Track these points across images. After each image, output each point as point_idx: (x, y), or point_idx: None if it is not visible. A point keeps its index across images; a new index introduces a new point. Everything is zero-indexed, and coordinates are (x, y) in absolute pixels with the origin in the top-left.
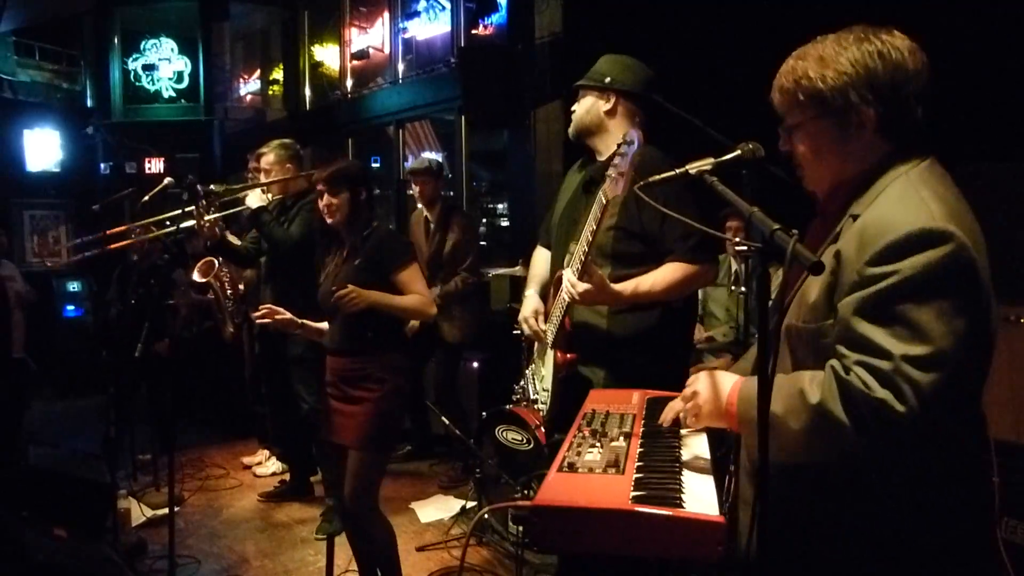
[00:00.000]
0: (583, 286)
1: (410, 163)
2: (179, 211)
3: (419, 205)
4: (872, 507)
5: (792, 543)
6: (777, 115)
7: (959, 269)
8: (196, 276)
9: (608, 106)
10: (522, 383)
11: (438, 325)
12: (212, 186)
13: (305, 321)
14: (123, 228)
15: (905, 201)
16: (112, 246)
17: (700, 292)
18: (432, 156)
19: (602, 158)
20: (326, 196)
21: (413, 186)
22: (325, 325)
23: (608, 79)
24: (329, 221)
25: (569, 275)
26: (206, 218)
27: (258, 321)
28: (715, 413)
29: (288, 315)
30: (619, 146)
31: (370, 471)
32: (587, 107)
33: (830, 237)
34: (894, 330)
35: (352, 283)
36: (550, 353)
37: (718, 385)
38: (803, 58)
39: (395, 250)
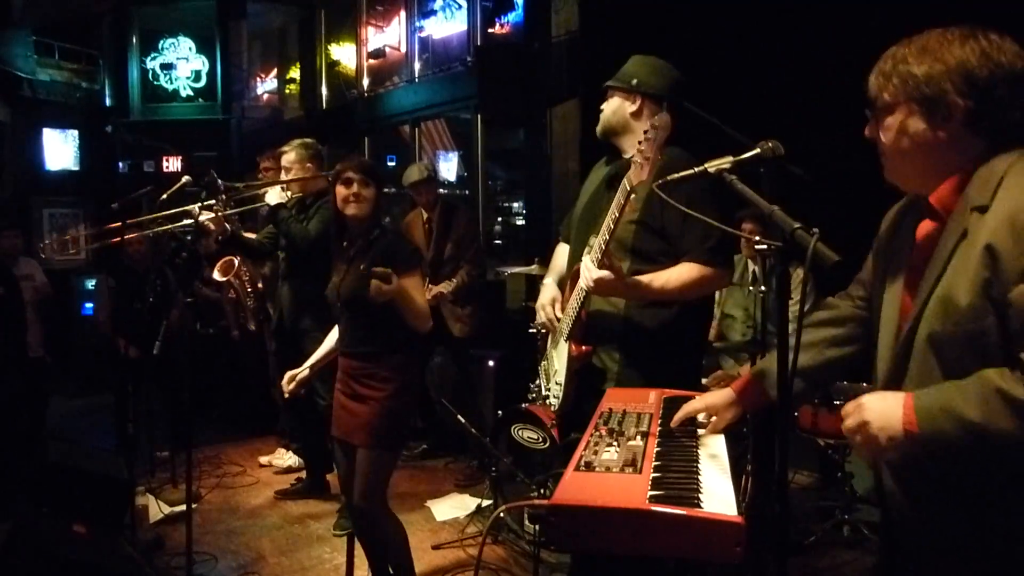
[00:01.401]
0: (599, 273)
1: (406, 173)
2: (191, 206)
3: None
4: None
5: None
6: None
7: None
8: (216, 275)
9: (634, 108)
10: (537, 381)
11: (446, 321)
12: (233, 184)
13: (308, 366)
14: (135, 220)
15: None
16: (127, 237)
17: (718, 292)
18: (423, 162)
19: (626, 155)
20: (356, 186)
21: (415, 197)
22: (327, 345)
23: (635, 81)
24: (351, 212)
25: (587, 262)
26: (208, 216)
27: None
28: (893, 439)
29: (303, 373)
30: (645, 132)
31: (379, 470)
32: (614, 108)
33: (954, 234)
34: None
35: (360, 287)
36: (563, 346)
37: (887, 406)
38: (906, 45)
39: (403, 256)
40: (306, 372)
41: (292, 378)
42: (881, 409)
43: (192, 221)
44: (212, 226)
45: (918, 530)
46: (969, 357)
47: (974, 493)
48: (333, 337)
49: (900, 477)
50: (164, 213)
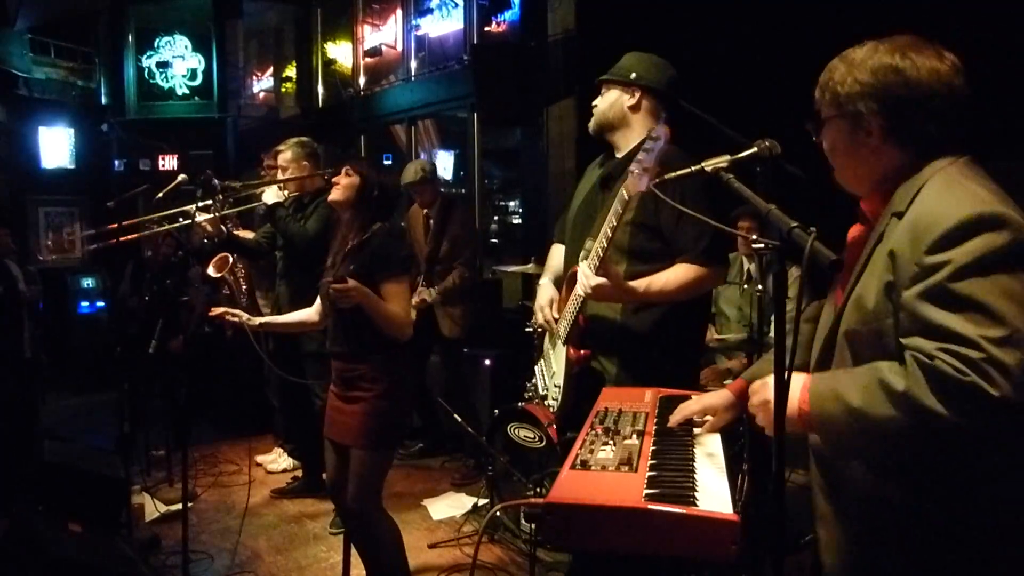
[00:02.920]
0: (596, 280)
1: (403, 173)
2: (190, 206)
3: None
4: (961, 501)
5: (878, 544)
6: (797, 111)
7: (1019, 249)
8: (211, 271)
9: (632, 101)
10: (534, 380)
11: (438, 321)
12: (228, 182)
13: (260, 321)
14: (133, 221)
15: (952, 191)
16: (123, 238)
17: (712, 291)
18: (421, 160)
19: (620, 154)
20: (341, 174)
21: (413, 196)
22: (298, 315)
23: (634, 75)
24: (331, 198)
25: (584, 268)
26: (205, 217)
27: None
28: (789, 417)
29: (246, 318)
30: (644, 141)
31: (371, 471)
32: (611, 101)
33: (874, 238)
34: (967, 315)
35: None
36: (561, 348)
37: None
38: (842, 58)
39: (389, 259)
40: (250, 320)
41: (233, 313)
42: None
43: (189, 220)
44: (209, 228)
45: (843, 552)
46: (874, 353)
47: (896, 518)
48: (307, 311)
49: (828, 488)
50: (164, 213)
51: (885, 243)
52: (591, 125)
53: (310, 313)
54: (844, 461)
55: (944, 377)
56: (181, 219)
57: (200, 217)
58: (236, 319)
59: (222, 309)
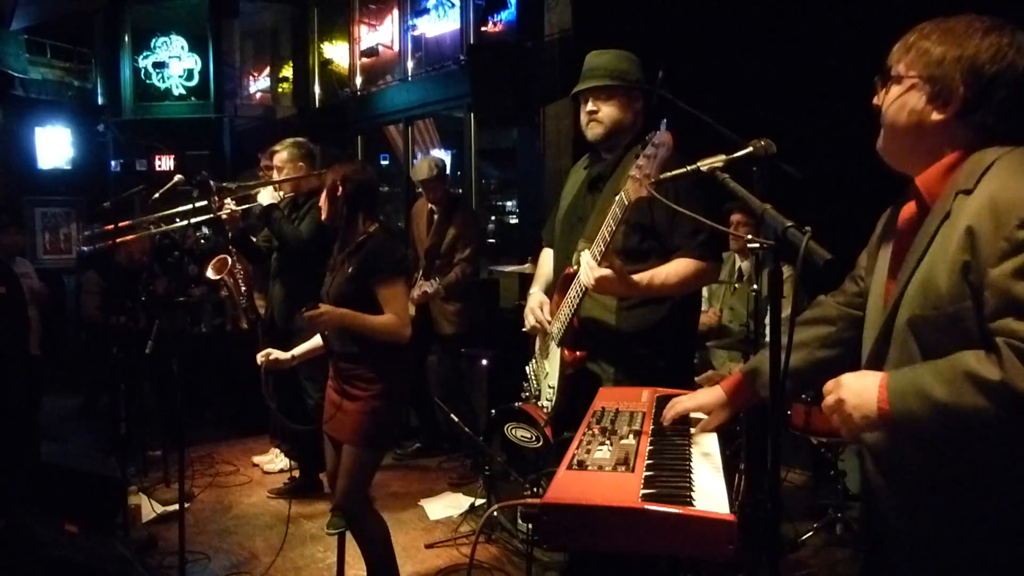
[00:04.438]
0: (601, 271)
1: (415, 169)
2: (190, 206)
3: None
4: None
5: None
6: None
7: None
8: (210, 273)
9: (639, 105)
10: (527, 381)
11: (435, 319)
12: (225, 183)
13: (295, 352)
14: (132, 222)
15: None
16: (120, 240)
17: (704, 289)
18: (432, 157)
19: (610, 155)
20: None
21: (422, 191)
22: (316, 340)
23: (635, 78)
24: (322, 217)
25: (588, 259)
26: (230, 207)
27: (314, 320)
28: (867, 417)
29: (282, 356)
30: (645, 146)
31: (361, 469)
32: (621, 108)
33: (937, 217)
34: None
35: (343, 290)
36: (555, 350)
37: (863, 385)
38: (936, 23)
39: (383, 264)
40: (286, 357)
41: (269, 354)
42: (858, 388)
43: (211, 216)
44: (234, 218)
45: (900, 520)
46: (947, 340)
47: (955, 482)
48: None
49: (882, 466)
50: (176, 210)
51: (954, 221)
52: (600, 133)
53: None
54: (923, 457)
55: None
56: (178, 219)
57: (224, 211)
58: (275, 363)
59: (264, 359)
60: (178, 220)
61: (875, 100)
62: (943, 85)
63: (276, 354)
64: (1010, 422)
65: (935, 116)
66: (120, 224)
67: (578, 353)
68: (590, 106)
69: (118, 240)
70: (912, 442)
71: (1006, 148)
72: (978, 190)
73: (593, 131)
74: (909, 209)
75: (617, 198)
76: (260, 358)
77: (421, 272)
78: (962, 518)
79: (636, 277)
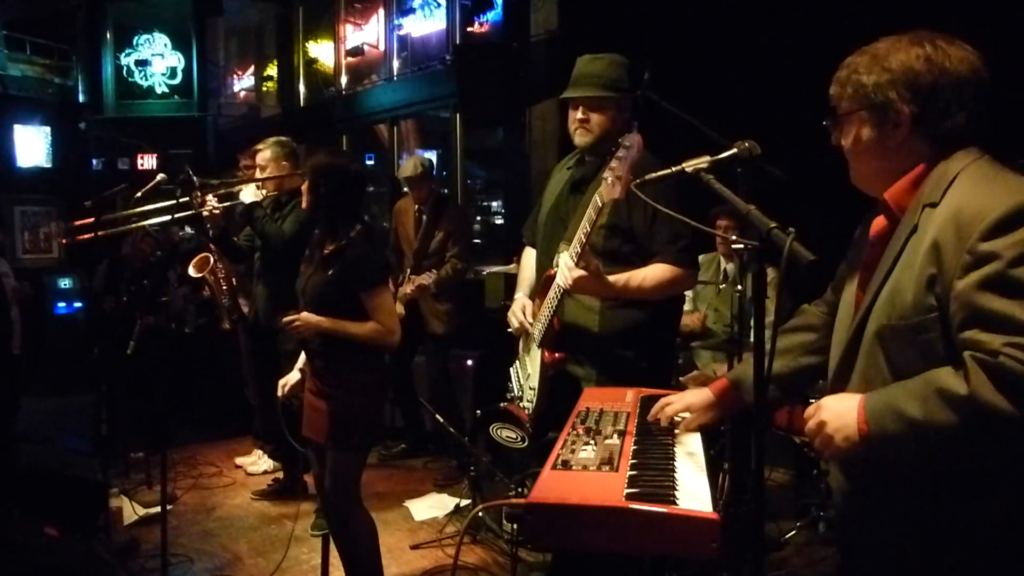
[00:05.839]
0: (578, 272)
1: (401, 167)
2: (172, 202)
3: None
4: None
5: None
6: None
7: None
8: (192, 271)
9: (627, 112)
10: (510, 382)
11: (426, 319)
12: (207, 180)
13: (298, 369)
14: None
15: (991, 183)
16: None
17: (689, 291)
18: (419, 156)
19: (592, 158)
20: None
21: (407, 190)
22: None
23: (627, 86)
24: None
25: (566, 259)
26: (212, 205)
27: (292, 329)
28: (848, 439)
29: (295, 378)
30: (616, 148)
31: (343, 469)
32: (610, 116)
33: (905, 230)
34: None
35: (322, 292)
36: (536, 352)
37: (843, 407)
38: (861, 54)
39: (368, 271)
40: (297, 376)
41: (285, 384)
42: (838, 411)
43: (193, 212)
44: (215, 216)
45: (866, 527)
46: (912, 351)
47: (921, 488)
48: None
49: (848, 473)
50: (157, 206)
51: (921, 234)
52: (589, 141)
53: None
54: (899, 474)
55: (1011, 373)
56: (163, 215)
57: (206, 209)
58: (293, 391)
59: (288, 387)
60: (158, 216)
61: (832, 141)
62: (887, 110)
63: (288, 380)
64: (978, 437)
65: (890, 140)
66: (101, 218)
67: (557, 355)
68: (580, 114)
69: (101, 233)
70: (893, 463)
71: (972, 156)
72: (943, 203)
73: (582, 138)
74: (879, 222)
75: (592, 200)
76: (281, 388)
77: (409, 272)
78: (924, 521)
79: (612, 278)
